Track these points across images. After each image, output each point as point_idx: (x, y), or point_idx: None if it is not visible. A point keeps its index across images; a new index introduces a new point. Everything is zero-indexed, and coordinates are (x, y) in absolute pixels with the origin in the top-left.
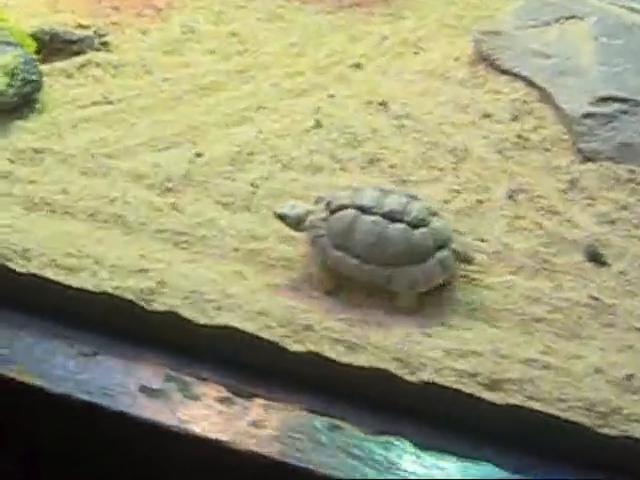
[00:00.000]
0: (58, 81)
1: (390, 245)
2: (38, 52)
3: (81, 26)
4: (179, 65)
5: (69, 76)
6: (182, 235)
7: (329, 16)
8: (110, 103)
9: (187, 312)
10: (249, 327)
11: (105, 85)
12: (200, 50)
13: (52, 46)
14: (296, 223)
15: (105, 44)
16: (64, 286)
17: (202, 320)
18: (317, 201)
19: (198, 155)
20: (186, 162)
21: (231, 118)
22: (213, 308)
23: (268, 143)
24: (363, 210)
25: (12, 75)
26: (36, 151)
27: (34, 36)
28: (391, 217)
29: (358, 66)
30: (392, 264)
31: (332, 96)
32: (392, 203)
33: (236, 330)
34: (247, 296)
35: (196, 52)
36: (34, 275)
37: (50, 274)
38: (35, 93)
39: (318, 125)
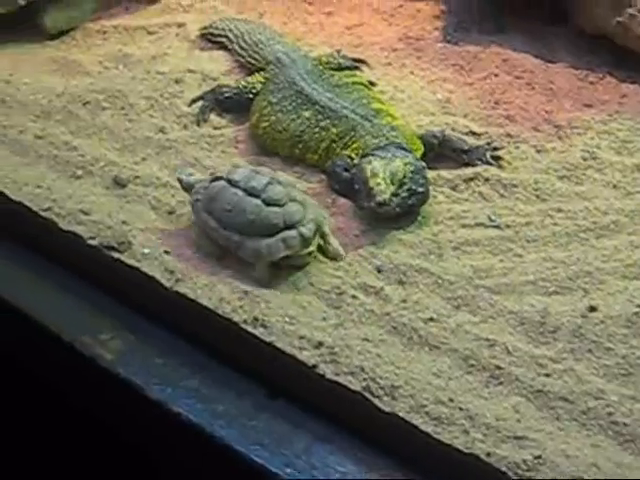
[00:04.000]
0: (442, 192)
1: (242, 215)
2: (424, 156)
3: (473, 133)
4: (576, 195)
5: (454, 188)
6: (566, 403)
7: None
8: (497, 227)
9: None
10: None
11: (492, 205)
12: (601, 181)
13: (440, 152)
14: (189, 188)
15: (497, 158)
16: (431, 438)
17: None
18: (212, 173)
19: (592, 309)
20: (578, 315)
21: (631, 269)
22: None
23: None
24: (231, 183)
25: (400, 184)
26: (414, 269)
27: (422, 138)
28: (250, 192)
29: None
30: (242, 233)
31: None
32: (255, 181)
33: None
34: None
35: (596, 183)
36: (400, 418)
37: (417, 420)
38: (420, 205)
39: None
